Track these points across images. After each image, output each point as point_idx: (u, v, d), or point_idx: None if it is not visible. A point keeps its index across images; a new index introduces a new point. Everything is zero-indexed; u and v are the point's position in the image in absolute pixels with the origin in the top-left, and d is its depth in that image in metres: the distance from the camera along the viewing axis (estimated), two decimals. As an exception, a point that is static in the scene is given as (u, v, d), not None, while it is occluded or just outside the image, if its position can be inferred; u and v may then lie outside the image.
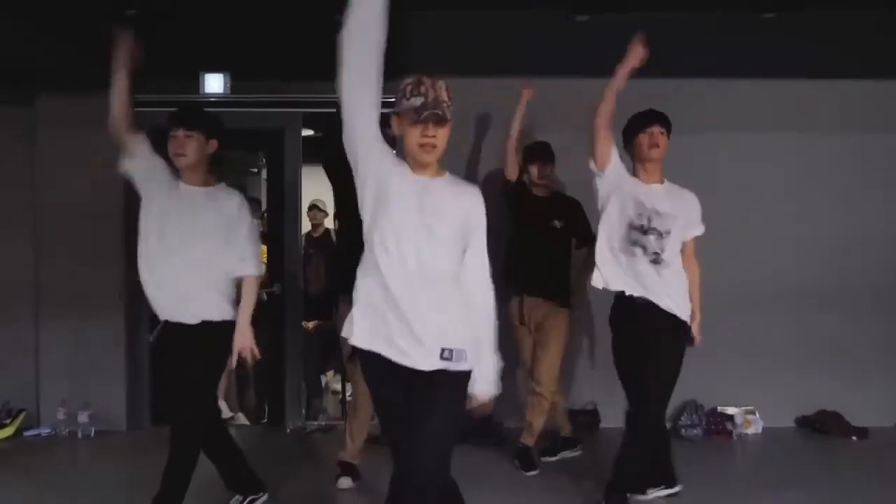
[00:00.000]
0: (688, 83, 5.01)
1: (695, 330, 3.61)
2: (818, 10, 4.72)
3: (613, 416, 5.27)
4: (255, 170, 9.18)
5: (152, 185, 3.35)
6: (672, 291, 3.51)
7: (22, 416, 5.18)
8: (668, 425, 5.21)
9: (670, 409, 5.32)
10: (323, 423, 5.46)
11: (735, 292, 5.07)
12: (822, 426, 5.16)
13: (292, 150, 5.43)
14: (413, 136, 2.44)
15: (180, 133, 3.33)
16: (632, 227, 3.50)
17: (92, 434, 5.09)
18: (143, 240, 3.30)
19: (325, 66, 5.16)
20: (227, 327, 3.32)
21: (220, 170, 3.55)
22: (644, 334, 3.46)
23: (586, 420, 5.21)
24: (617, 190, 3.56)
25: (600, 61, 4.85)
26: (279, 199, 5.45)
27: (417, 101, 2.42)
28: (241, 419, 5.80)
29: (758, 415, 5.17)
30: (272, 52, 5.13)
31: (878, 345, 5.30)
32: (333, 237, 6.38)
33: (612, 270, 3.55)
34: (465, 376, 2.47)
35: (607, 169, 3.57)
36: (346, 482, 4.06)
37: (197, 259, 3.28)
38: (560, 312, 4.49)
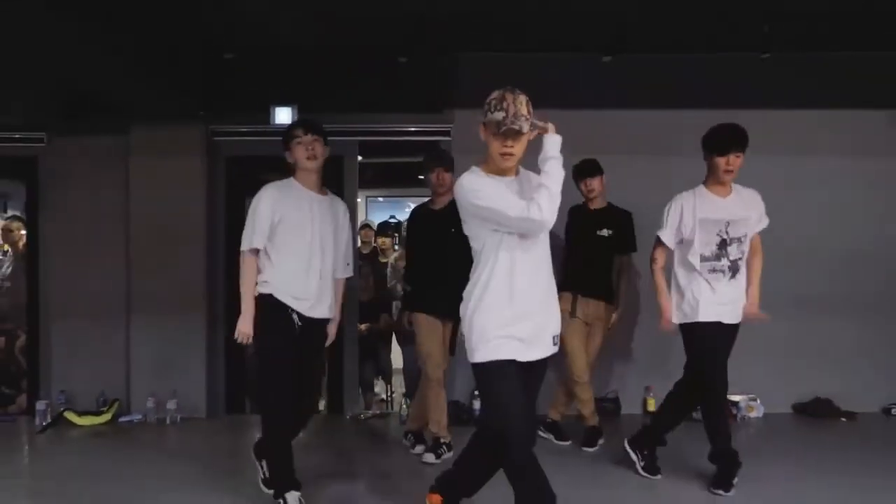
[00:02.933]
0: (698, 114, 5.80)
1: (752, 299, 4.22)
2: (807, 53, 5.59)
3: (633, 402, 6.04)
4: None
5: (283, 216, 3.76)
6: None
7: (116, 405, 5.92)
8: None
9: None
10: (378, 411, 6.21)
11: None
12: (816, 411, 5.88)
13: (350, 175, 6.23)
14: (495, 146, 2.98)
15: (309, 137, 3.77)
16: (716, 245, 4.11)
17: (178, 420, 5.83)
18: (293, 248, 3.74)
19: (377, 100, 6.06)
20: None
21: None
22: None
23: (609, 407, 5.94)
24: (692, 228, 4.14)
25: (623, 95, 5.75)
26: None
27: (499, 116, 2.90)
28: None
29: (759, 401, 5.90)
30: (334, 88, 5.94)
31: (867, 342, 5.99)
32: (379, 255, 7.24)
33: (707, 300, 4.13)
34: None
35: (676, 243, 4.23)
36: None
37: (330, 262, 3.89)
38: (607, 309, 5.19)
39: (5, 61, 4.67)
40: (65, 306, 6.11)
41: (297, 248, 3.77)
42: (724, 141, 4.05)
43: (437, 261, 4.66)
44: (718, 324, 4.16)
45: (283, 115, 6.03)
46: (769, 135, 5.92)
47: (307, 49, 5.70)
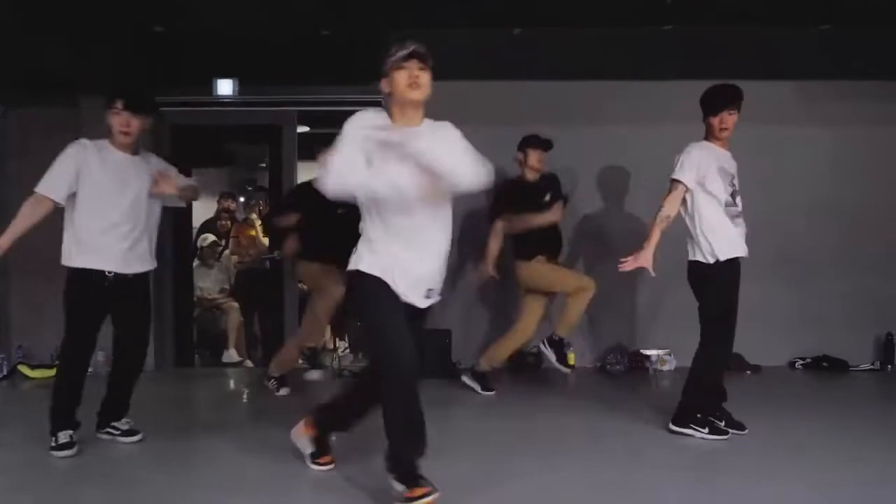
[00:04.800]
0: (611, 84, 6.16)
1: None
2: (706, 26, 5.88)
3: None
4: (264, 165, 10.37)
5: None
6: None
7: (68, 360, 6.32)
8: (598, 364, 6.36)
9: (599, 351, 6.47)
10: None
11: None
12: (725, 365, 6.23)
13: (289, 143, 6.60)
14: (402, 77, 3.03)
15: None
16: (730, 195, 4.28)
17: (126, 372, 6.21)
18: None
19: (314, 72, 6.40)
20: None
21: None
22: None
23: (533, 361, 6.31)
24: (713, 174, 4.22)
25: (532, 66, 6.09)
26: (278, 182, 6.59)
27: (404, 52, 3.04)
28: (248, 363, 6.98)
29: (672, 356, 6.27)
30: (273, 61, 6.28)
31: (773, 300, 6.34)
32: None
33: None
34: None
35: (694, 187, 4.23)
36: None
37: None
38: None
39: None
40: (23, 268, 6.47)
41: None
42: (715, 101, 4.22)
43: (328, 232, 5.09)
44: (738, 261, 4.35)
45: (226, 87, 6.41)
46: (681, 104, 6.26)
47: (246, 24, 6.03)
